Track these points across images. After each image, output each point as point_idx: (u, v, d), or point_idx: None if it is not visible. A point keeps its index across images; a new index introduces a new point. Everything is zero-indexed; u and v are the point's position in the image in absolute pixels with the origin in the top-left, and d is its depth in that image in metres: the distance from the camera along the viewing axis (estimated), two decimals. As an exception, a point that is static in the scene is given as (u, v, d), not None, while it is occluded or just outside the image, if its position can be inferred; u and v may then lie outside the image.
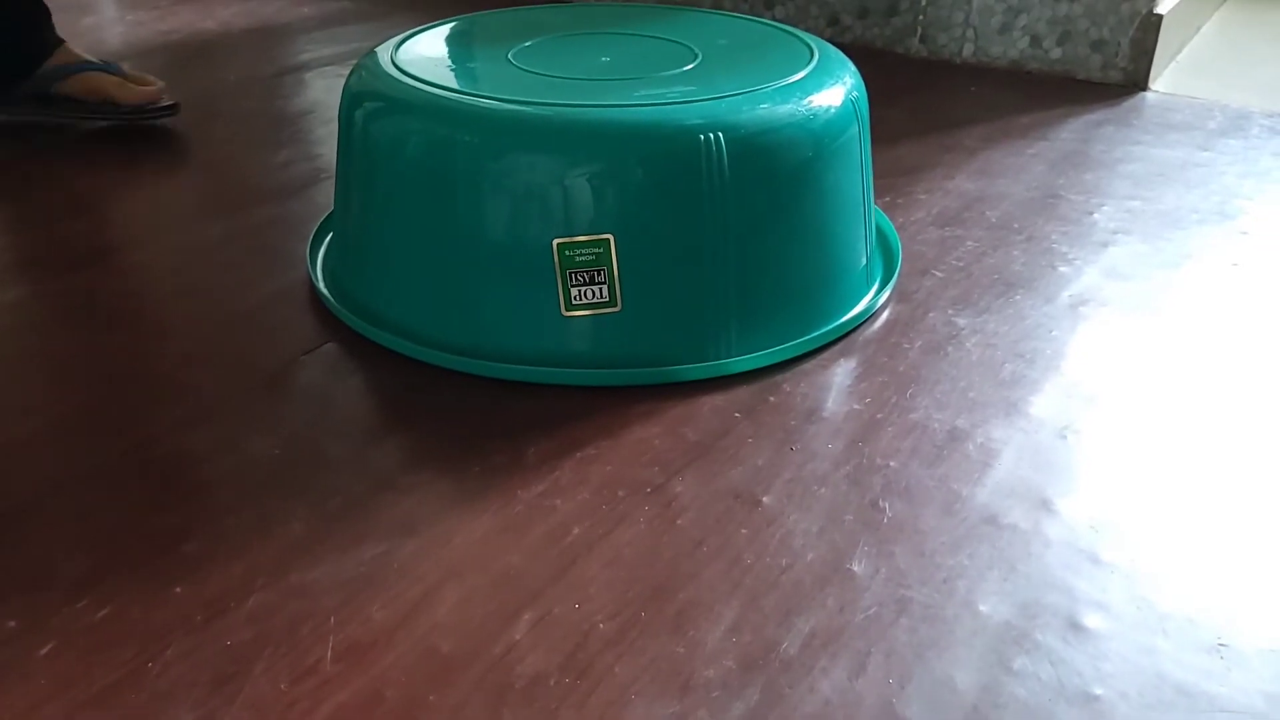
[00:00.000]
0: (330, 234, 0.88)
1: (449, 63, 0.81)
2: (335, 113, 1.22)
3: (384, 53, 0.81)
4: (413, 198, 0.73)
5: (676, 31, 0.86)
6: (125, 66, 1.14)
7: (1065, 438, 0.65)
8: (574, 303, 0.69)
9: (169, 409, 0.68)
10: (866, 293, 0.80)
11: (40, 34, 1.10)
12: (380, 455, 0.63)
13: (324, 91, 1.30)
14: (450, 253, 0.71)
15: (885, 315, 0.79)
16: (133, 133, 1.13)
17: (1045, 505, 0.60)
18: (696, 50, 0.81)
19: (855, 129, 0.76)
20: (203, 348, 0.75)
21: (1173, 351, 0.75)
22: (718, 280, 0.70)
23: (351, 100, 0.78)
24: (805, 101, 0.72)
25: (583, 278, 0.68)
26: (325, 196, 1.00)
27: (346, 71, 1.38)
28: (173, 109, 1.13)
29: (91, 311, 0.80)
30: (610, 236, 0.68)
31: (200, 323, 0.78)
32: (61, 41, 1.11)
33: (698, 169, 0.68)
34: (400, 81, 0.75)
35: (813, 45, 0.82)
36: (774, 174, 0.71)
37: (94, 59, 1.11)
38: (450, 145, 0.70)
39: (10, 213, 0.97)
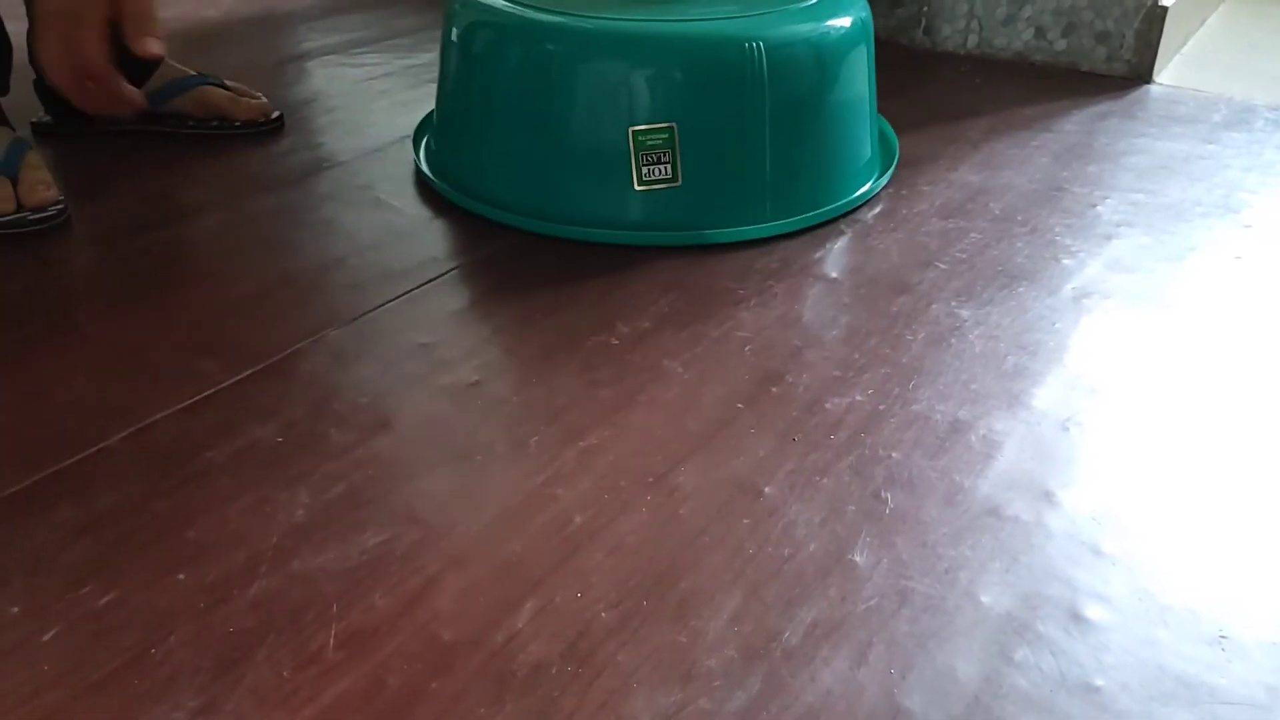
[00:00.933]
0: (427, 135, 1.06)
1: None
2: (335, 102, 1.22)
3: None
4: (516, 97, 0.90)
5: None
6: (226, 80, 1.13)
7: (1067, 430, 0.65)
8: (645, 179, 0.86)
9: (170, 394, 0.68)
10: (870, 179, 0.97)
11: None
12: (383, 443, 0.63)
13: (325, 80, 1.29)
14: (547, 141, 0.88)
15: (891, 308, 0.79)
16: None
17: (1047, 497, 0.60)
18: None
19: (863, 46, 0.93)
20: (204, 334, 0.75)
21: (1175, 344, 0.75)
22: (757, 159, 0.87)
23: (462, 25, 0.93)
24: (825, 21, 0.90)
25: (651, 158, 0.85)
26: (327, 185, 1.00)
27: (347, 61, 1.38)
28: (279, 121, 1.13)
29: (91, 298, 0.80)
30: (674, 125, 0.84)
31: (202, 309, 0.78)
32: (160, 58, 1.09)
33: (743, 71, 0.85)
34: (498, 7, 0.91)
35: None
36: (800, 76, 0.88)
37: (194, 72, 1.10)
38: (546, 54, 0.87)
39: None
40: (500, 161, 0.93)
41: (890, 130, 1.08)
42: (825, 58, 0.90)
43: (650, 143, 0.85)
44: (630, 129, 0.85)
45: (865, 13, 0.95)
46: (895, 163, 1.02)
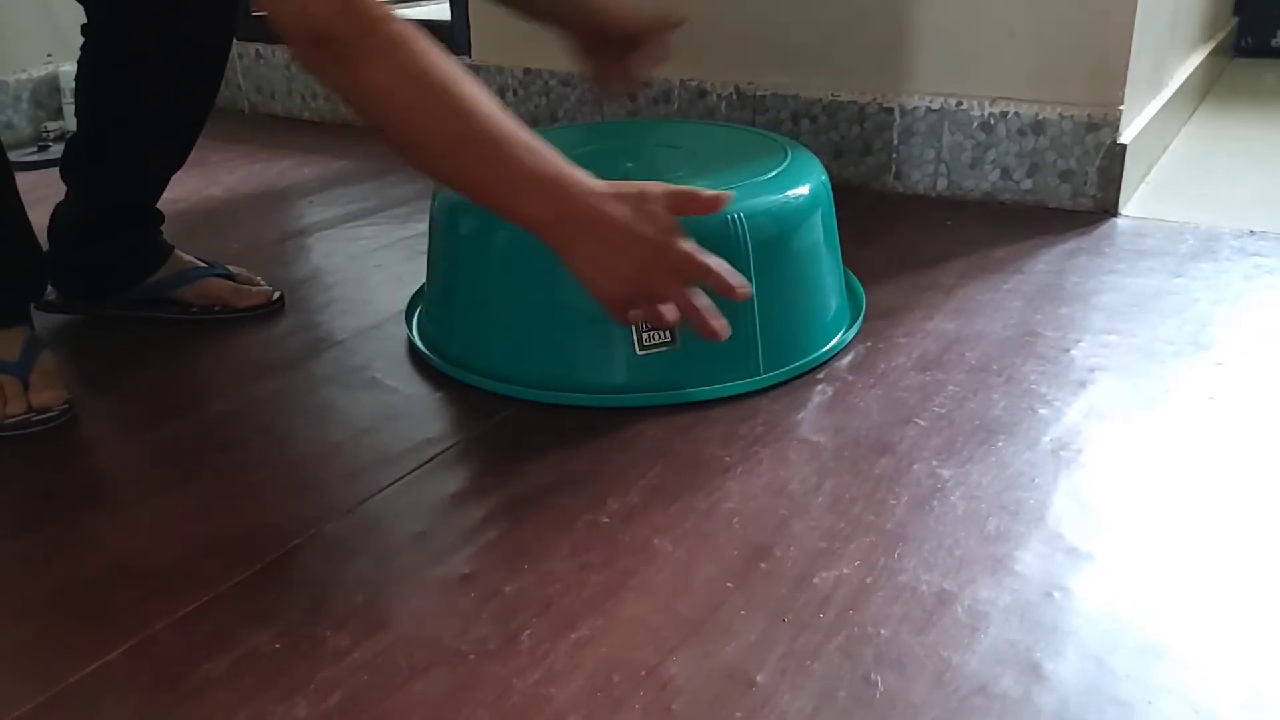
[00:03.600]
0: (419, 309, 1.12)
1: None
2: (333, 278, 1.27)
3: None
4: (508, 274, 0.96)
5: (680, 139, 1.14)
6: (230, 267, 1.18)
7: (1052, 595, 0.66)
8: (645, 344, 0.90)
9: (172, 600, 0.69)
10: (840, 330, 1.04)
11: (152, 242, 1.14)
12: (378, 645, 0.64)
13: (323, 256, 1.35)
14: (542, 315, 0.94)
15: (874, 470, 0.81)
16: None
17: (1034, 670, 0.60)
18: (700, 154, 1.08)
19: (823, 207, 1.02)
20: (206, 533, 0.77)
21: (1152, 497, 0.77)
22: (746, 318, 0.93)
23: (451, 206, 1.00)
24: (790, 189, 0.98)
25: (651, 324, 0.87)
26: (326, 367, 1.03)
27: (345, 234, 1.43)
28: (280, 303, 1.17)
29: (96, 502, 0.82)
30: None
31: (206, 507, 0.80)
32: (172, 249, 1.14)
33: (729, 239, 0.91)
34: None
35: (785, 146, 1.07)
36: (777, 239, 0.96)
37: (203, 262, 1.15)
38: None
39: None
40: (495, 335, 0.98)
41: (857, 282, 1.13)
42: (794, 221, 0.97)
43: None
44: None
45: (822, 176, 1.03)
46: (863, 313, 1.06)
